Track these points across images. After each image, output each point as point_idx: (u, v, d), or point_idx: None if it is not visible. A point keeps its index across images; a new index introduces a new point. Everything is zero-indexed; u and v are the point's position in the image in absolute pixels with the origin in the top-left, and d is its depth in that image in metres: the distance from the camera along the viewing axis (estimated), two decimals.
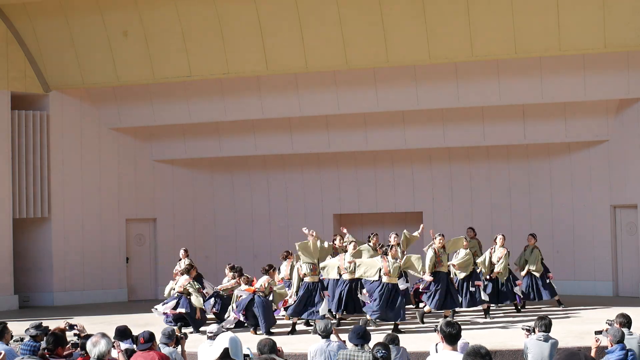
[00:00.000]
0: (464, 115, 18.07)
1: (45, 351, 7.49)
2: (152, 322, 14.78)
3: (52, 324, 9.53)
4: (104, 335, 6.48)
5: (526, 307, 16.12)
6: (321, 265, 14.40)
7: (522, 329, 9.87)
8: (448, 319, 7.14)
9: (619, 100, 17.32)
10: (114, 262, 19.60)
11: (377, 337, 9.49)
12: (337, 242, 15.40)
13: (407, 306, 14.88)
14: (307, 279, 14.09)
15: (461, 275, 14.97)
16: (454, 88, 17.62)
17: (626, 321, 9.45)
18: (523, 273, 16.20)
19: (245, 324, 14.48)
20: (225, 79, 18.39)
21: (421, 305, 15.43)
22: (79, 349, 8.16)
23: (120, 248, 19.71)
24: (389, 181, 19.71)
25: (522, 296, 15.88)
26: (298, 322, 14.39)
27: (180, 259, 16.44)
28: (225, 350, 5.90)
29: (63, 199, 19.04)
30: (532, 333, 9.57)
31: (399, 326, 13.86)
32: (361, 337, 8.32)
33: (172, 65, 18.30)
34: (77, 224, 19.17)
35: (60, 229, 19.00)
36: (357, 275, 14.20)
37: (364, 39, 17.29)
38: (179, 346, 9.50)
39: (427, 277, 14.30)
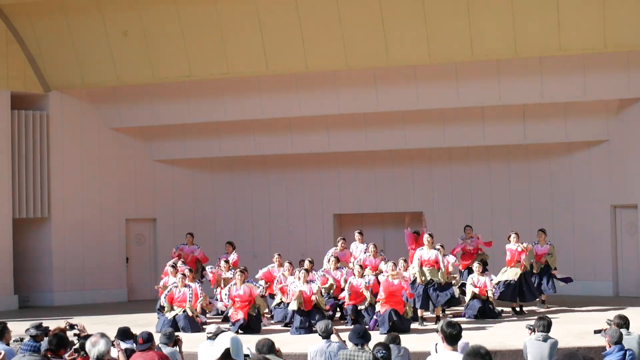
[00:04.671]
0: (464, 115, 18.06)
1: (48, 352, 7.48)
2: (152, 322, 14.80)
3: (52, 324, 9.52)
4: (103, 335, 6.47)
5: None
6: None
7: (527, 327, 9.87)
8: (448, 319, 7.14)
9: (619, 100, 17.32)
10: (114, 262, 19.59)
11: (377, 337, 9.48)
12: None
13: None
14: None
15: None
16: (454, 88, 17.61)
17: (623, 322, 9.45)
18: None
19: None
20: (225, 79, 18.39)
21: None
22: (78, 349, 8.15)
23: (120, 248, 19.71)
24: (389, 181, 19.70)
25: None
26: None
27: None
28: (227, 351, 5.89)
29: (63, 199, 19.03)
30: (534, 332, 9.58)
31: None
32: (361, 337, 8.32)
33: (172, 65, 18.30)
34: (77, 224, 19.16)
35: (60, 229, 18.99)
36: None
37: (364, 39, 17.28)
38: (177, 347, 9.50)
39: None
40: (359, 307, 14.51)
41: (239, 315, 14.28)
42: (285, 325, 14.67)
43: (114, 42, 18.33)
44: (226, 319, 15.18)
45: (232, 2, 17.54)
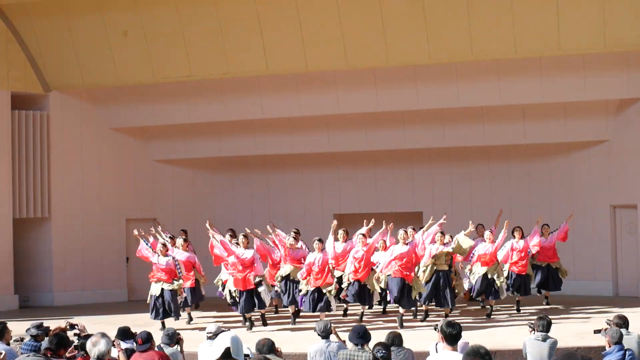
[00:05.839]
0: (464, 115, 18.07)
1: (48, 351, 7.47)
2: (152, 322, 14.80)
3: (52, 324, 9.52)
4: (103, 335, 6.47)
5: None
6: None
7: (529, 325, 9.87)
8: (449, 319, 7.15)
9: (619, 100, 17.32)
10: (114, 262, 19.59)
11: (377, 337, 9.44)
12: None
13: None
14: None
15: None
16: (454, 88, 17.62)
17: (622, 322, 9.44)
18: None
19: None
20: (225, 79, 18.39)
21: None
22: (78, 346, 8.15)
23: (120, 248, 19.70)
24: (389, 181, 19.71)
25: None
26: None
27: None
28: (227, 350, 5.89)
29: (63, 199, 19.04)
30: (534, 331, 9.57)
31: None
32: (361, 337, 8.30)
33: (172, 65, 18.30)
34: (77, 224, 19.17)
35: (60, 229, 19.00)
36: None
37: (364, 39, 17.29)
38: (177, 346, 9.49)
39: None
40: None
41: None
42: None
43: (114, 42, 18.33)
44: None
45: (232, 2, 17.54)
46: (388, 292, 14.68)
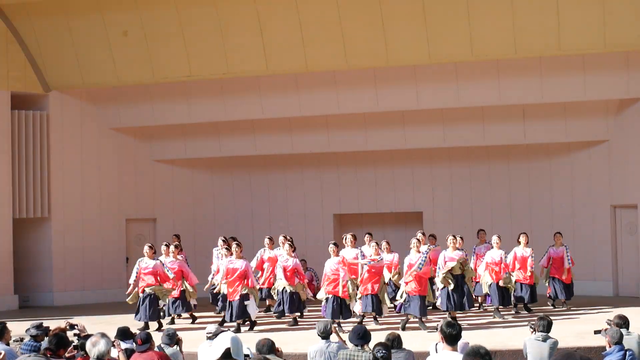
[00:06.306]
0: (464, 115, 18.07)
1: (47, 351, 7.47)
2: (151, 323, 14.78)
3: (52, 324, 9.52)
4: (103, 335, 6.47)
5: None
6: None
7: (530, 326, 9.86)
8: (448, 319, 7.14)
9: (619, 100, 17.32)
10: (114, 262, 19.59)
11: (377, 338, 9.43)
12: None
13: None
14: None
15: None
16: (454, 88, 17.62)
17: (623, 322, 9.43)
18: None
19: None
20: (225, 79, 18.40)
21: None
22: (78, 345, 8.15)
23: (120, 248, 19.71)
24: (389, 181, 19.71)
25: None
26: None
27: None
28: (227, 351, 5.88)
29: (63, 199, 19.04)
30: (535, 332, 9.57)
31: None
32: (361, 338, 8.29)
33: (172, 65, 18.30)
34: (77, 224, 19.17)
35: (60, 229, 19.00)
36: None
37: (364, 39, 17.29)
38: (177, 346, 9.49)
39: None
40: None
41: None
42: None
43: (114, 42, 18.33)
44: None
45: (232, 2, 17.53)
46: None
